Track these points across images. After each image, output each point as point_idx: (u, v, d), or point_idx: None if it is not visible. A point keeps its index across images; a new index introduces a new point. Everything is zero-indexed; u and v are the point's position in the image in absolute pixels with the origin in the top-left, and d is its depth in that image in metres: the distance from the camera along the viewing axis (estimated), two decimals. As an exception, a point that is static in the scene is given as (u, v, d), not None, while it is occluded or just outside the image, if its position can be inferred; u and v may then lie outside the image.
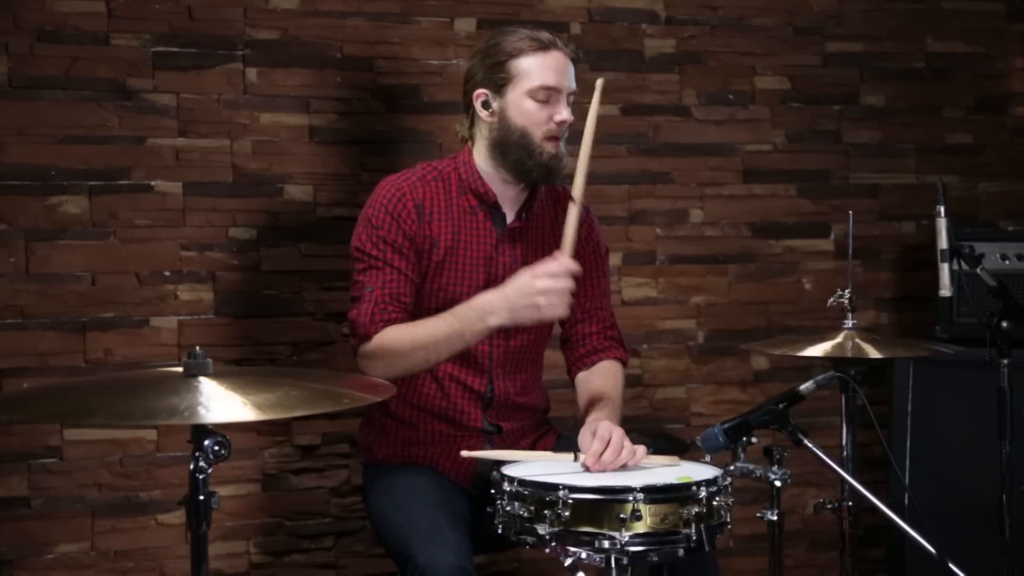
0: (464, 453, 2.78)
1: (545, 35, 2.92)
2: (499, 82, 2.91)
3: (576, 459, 2.69)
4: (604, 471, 2.62)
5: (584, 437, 2.74)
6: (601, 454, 2.63)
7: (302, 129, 3.68)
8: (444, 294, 2.94)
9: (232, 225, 3.62)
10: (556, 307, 2.75)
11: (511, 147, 2.92)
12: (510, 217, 3.01)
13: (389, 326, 2.86)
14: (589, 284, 3.07)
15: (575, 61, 2.96)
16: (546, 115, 2.90)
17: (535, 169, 2.92)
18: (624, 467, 2.64)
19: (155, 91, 3.55)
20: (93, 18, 3.49)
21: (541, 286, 2.72)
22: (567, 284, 2.74)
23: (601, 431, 2.69)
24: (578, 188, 2.82)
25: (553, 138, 2.91)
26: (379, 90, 3.74)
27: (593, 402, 2.96)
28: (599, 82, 2.88)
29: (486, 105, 2.94)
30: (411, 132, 3.77)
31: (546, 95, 2.89)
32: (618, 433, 2.68)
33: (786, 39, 4.15)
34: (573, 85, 2.95)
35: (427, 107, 3.77)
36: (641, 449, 2.68)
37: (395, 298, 2.89)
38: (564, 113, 2.91)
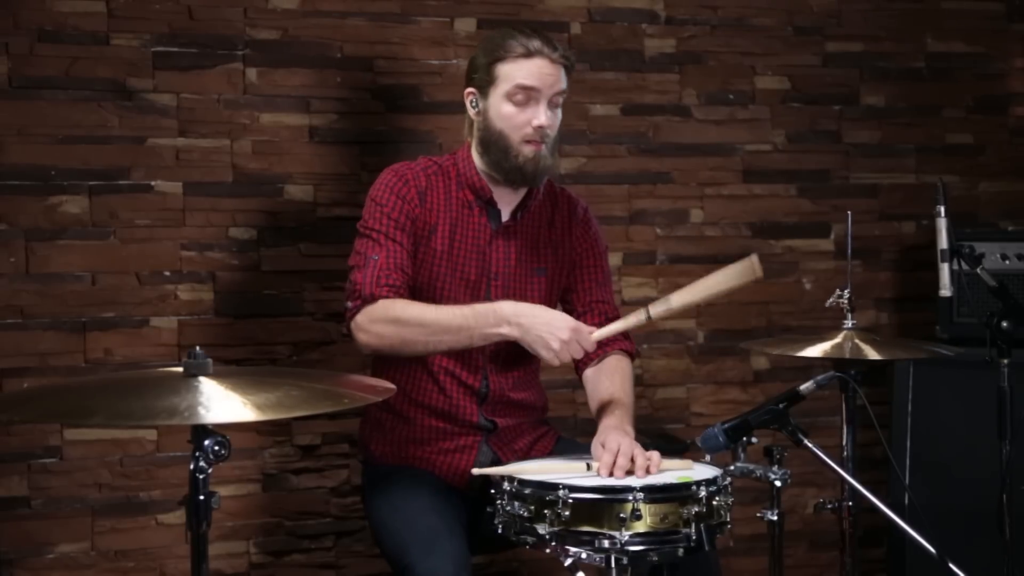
0: (475, 471, 2.72)
1: (534, 43, 2.88)
2: (483, 83, 2.92)
3: (589, 468, 2.64)
4: None
5: (596, 450, 2.73)
6: (612, 466, 2.60)
7: (302, 129, 3.68)
8: (438, 284, 2.95)
9: (232, 225, 3.62)
10: (555, 358, 2.76)
11: (491, 147, 2.93)
12: (505, 215, 3.02)
13: (395, 292, 2.85)
14: (588, 278, 3.08)
15: (567, 68, 2.93)
16: (524, 118, 2.88)
17: (511, 172, 2.92)
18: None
19: (155, 91, 3.55)
20: (93, 18, 3.49)
21: (567, 337, 2.73)
22: (579, 355, 2.79)
23: (610, 444, 2.67)
24: (658, 309, 2.78)
25: (531, 142, 2.89)
26: (379, 90, 3.74)
27: (603, 408, 2.92)
28: (754, 258, 2.79)
29: (474, 104, 2.96)
30: (411, 132, 3.76)
31: (524, 97, 2.87)
32: (627, 443, 2.66)
33: (786, 39, 4.15)
34: (559, 87, 2.90)
35: (427, 107, 3.77)
36: (655, 456, 2.66)
37: (399, 267, 2.89)
38: (542, 117, 2.88)
